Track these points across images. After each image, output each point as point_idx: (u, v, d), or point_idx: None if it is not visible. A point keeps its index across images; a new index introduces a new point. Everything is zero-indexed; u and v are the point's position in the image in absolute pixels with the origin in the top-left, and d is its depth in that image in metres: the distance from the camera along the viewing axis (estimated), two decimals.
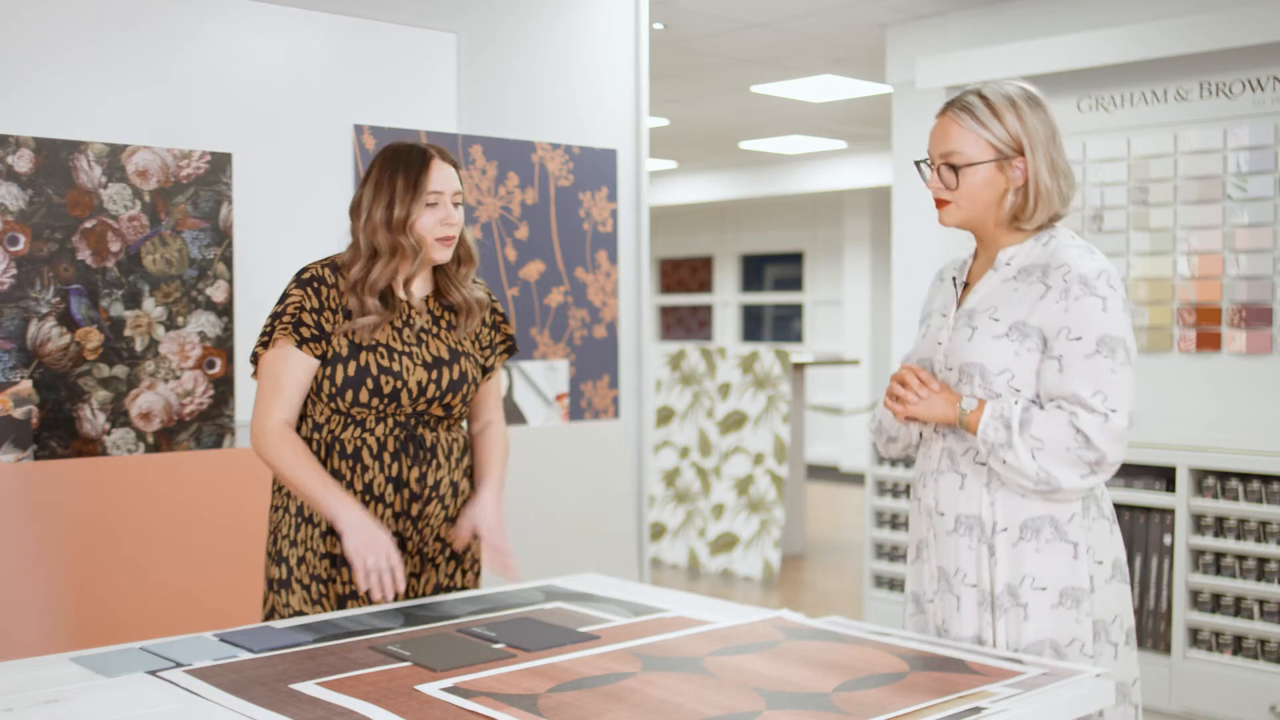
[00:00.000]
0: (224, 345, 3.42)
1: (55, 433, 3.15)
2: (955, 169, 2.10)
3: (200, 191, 3.38)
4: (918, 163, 2.19)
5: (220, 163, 3.41)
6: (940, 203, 2.15)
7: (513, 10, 4.13)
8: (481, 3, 4.04)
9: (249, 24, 3.54)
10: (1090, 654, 2.02)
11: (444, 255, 2.34)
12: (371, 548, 2.19)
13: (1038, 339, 2.03)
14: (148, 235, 3.29)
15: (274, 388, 2.29)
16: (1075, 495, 2.03)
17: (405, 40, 3.86)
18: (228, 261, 3.42)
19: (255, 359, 2.34)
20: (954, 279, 2.22)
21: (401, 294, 2.36)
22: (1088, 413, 1.97)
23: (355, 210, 2.34)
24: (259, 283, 3.45)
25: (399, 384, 2.29)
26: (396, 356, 2.30)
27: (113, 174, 3.23)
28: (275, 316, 2.29)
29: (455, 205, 2.34)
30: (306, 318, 2.27)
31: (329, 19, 3.70)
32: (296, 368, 2.28)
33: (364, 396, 2.27)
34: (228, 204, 3.42)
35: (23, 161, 3.10)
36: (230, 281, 3.43)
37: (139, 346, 3.28)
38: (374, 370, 2.27)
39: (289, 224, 3.56)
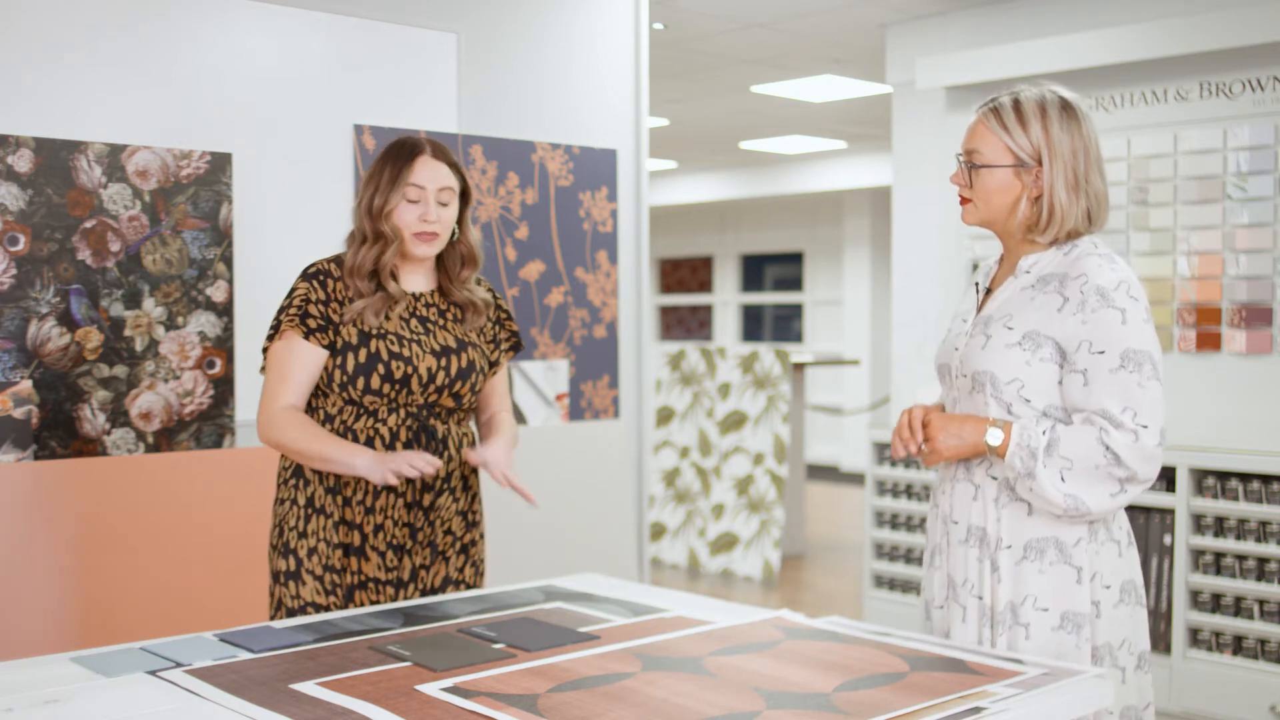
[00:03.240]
0: (224, 345, 3.42)
1: (55, 433, 3.15)
2: (974, 168, 2.09)
3: (200, 191, 3.38)
4: (957, 155, 2.17)
5: (220, 163, 3.41)
6: (963, 200, 2.13)
7: (513, 10, 4.13)
8: (481, 3, 4.04)
9: (249, 24, 3.54)
10: None
11: (424, 251, 2.36)
12: (389, 462, 2.21)
13: (1052, 349, 2.00)
14: (148, 235, 3.29)
15: (280, 376, 2.33)
16: (1107, 514, 2.01)
17: (405, 40, 3.86)
18: (228, 261, 3.42)
19: (265, 353, 2.38)
20: (977, 284, 2.20)
21: (400, 284, 2.38)
22: (1117, 430, 1.94)
23: (356, 196, 2.41)
24: (259, 283, 3.45)
25: (409, 369, 2.32)
26: (406, 343, 2.34)
27: (113, 174, 3.23)
28: (282, 310, 2.34)
29: (443, 204, 2.36)
30: (313, 309, 2.32)
31: (329, 19, 3.70)
32: (303, 357, 2.32)
33: (375, 383, 2.30)
34: (228, 204, 3.42)
35: (23, 161, 3.10)
36: (230, 281, 3.43)
37: (139, 346, 3.28)
38: (384, 356, 2.31)
39: (289, 224, 3.56)
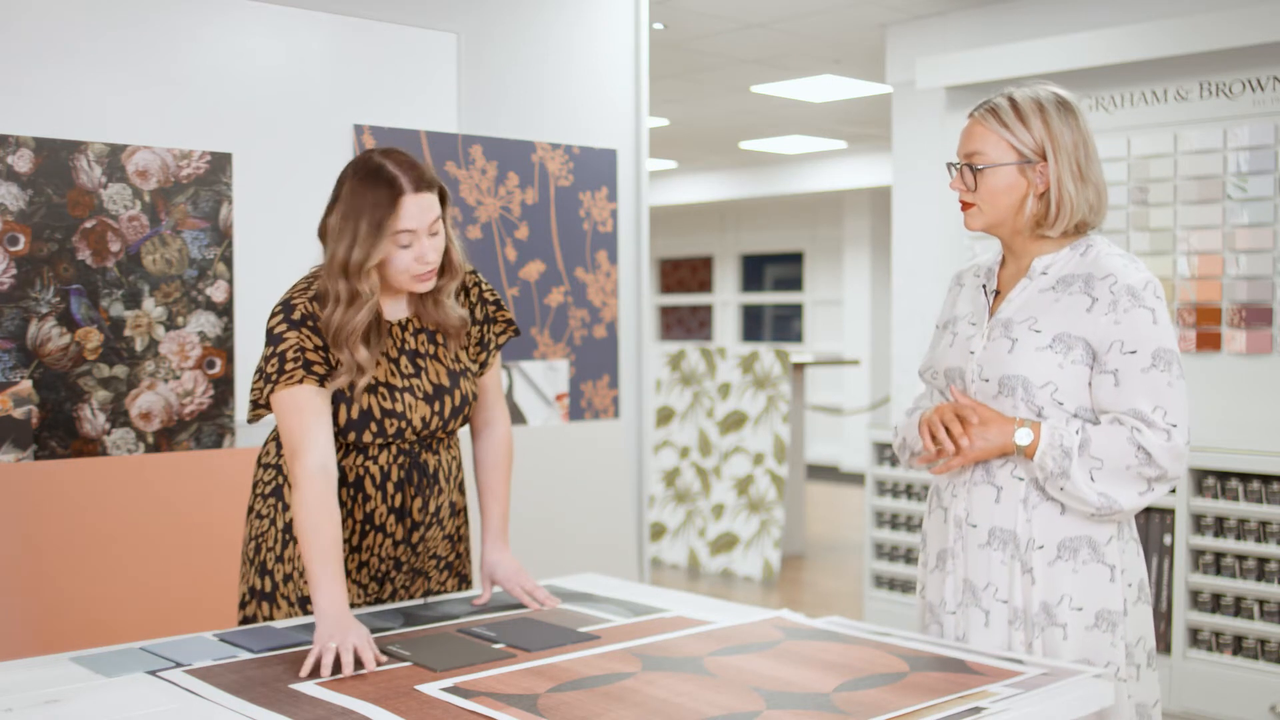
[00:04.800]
0: (224, 345, 3.42)
1: (55, 433, 3.15)
2: (976, 170, 2.07)
3: (200, 191, 3.38)
4: (949, 165, 2.15)
5: (220, 163, 3.41)
6: (965, 205, 2.11)
7: (513, 10, 4.13)
8: (481, 3, 4.04)
9: (249, 24, 3.54)
10: (1124, 678, 2.00)
11: (424, 288, 2.18)
12: (337, 637, 1.91)
13: (1083, 350, 2.00)
14: (148, 235, 3.30)
15: (304, 427, 2.09)
16: (1133, 512, 2.01)
17: (405, 40, 3.86)
18: (228, 261, 3.42)
19: (258, 404, 2.17)
20: (984, 286, 2.16)
21: (386, 317, 2.23)
22: (1149, 429, 1.95)
23: (323, 237, 2.16)
24: (259, 283, 3.45)
25: (402, 424, 2.19)
26: (399, 395, 2.19)
27: (113, 174, 3.23)
28: (278, 359, 2.11)
29: (434, 234, 2.14)
30: (312, 355, 2.12)
31: (329, 19, 3.70)
32: (321, 405, 2.11)
33: (368, 437, 2.18)
34: (228, 204, 3.42)
35: (23, 161, 3.10)
36: (230, 281, 3.43)
37: (139, 346, 3.28)
38: (377, 414, 2.17)
39: (289, 224, 3.56)
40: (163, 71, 3.37)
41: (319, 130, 3.66)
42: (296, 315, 2.14)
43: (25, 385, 3.10)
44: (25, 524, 3.07)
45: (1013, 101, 2.06)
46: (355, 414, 2.16)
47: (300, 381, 2.09)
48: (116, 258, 3.24)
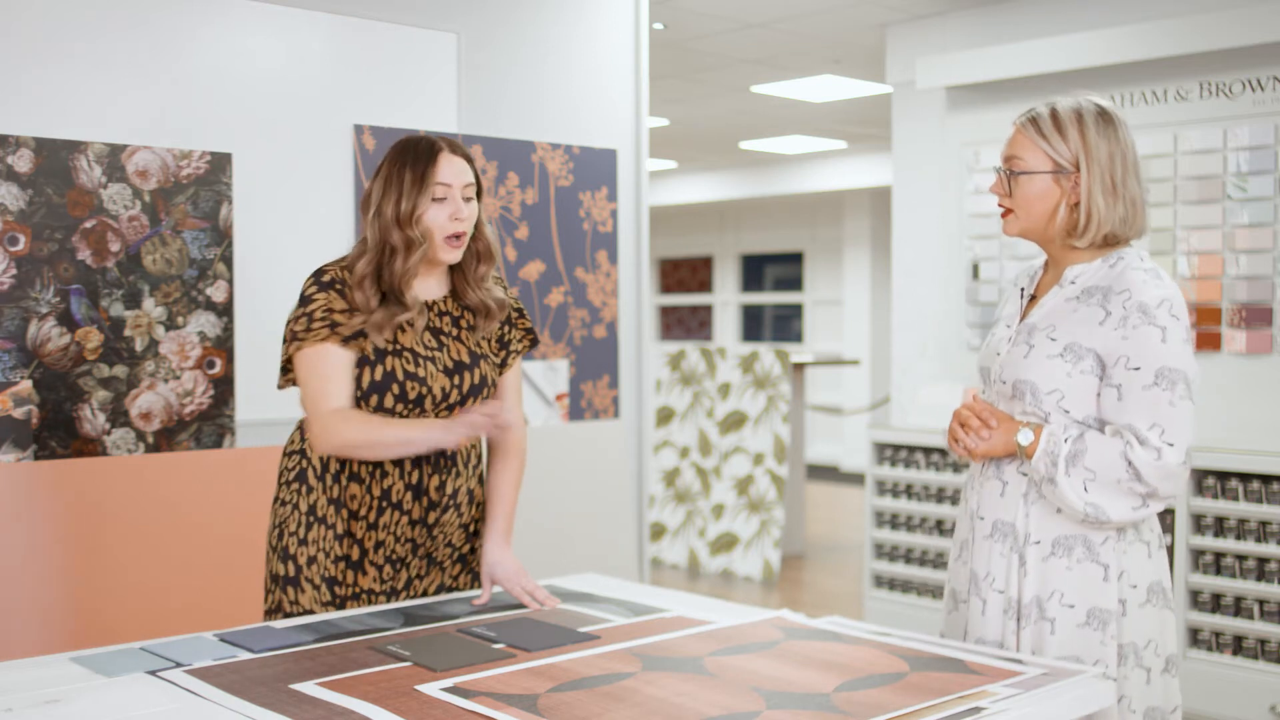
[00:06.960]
0: (224, 345, 3.42)
1: (55, 433, 3.15)
2: (1013, 175, 2.13)
3: (200, 191, 3.38)
4: (996, 168, 2.21)
5: (220, 163, 3.41)
6: (1004, 211, 2.18)
7: (513, 10, 4.13)
8: (481, 3, 4.05)
9: (249, 24, 3.54)
10: (1112, 677, 2.01)
11: (453, 256, 2.30)
12: (457, 426, 2.18)
13: (1093, 361, 2.03)
14: (148, 235, 3.30)
15: (323, 381, 2.22)
16: (1127, 524, 2.04)
17: (405, 40, 3.86)
18: (228, 261, 3.43)
19: (287, 366, 2.28)
20: (1022, 289, 2.23)
21: (415, 293, 2.31)
22: (1142, 446, 1.97)
23: (365, 205, 2.30)
24: (259, 283, 3.45)
25: (424, 390, 2.26)
26: (421, 361, 2.27)
27: (113, 174, 3.23)
28: (305, 318, 2.23)
29: (466, 200, 2.29)
30: (340, 318, 2.23)
31: (329, 19, 3.70)
32: (342, 362, 2.23)
33: (389, 401, 2.24)
34: (228, 204, 3.43)
35: (23, 161, 3.10)
36: (230, 281, 3.43)
37: (139, 346, 3.28)
38: (400, 375, 2.24)
39: (289, 224, 3.56)
40: (163, 71, 3.37)
41: (319, 130, 3.66)
42: (327, 278, 2.27)
43: (25, 385, 3.10)
44: (25, 524, 3.07)
45: (1054, 112, 2.12)
46: (379, 375, 2.25)
47: (324, 340, 2.22)
48: (116, 258, 3.24)
